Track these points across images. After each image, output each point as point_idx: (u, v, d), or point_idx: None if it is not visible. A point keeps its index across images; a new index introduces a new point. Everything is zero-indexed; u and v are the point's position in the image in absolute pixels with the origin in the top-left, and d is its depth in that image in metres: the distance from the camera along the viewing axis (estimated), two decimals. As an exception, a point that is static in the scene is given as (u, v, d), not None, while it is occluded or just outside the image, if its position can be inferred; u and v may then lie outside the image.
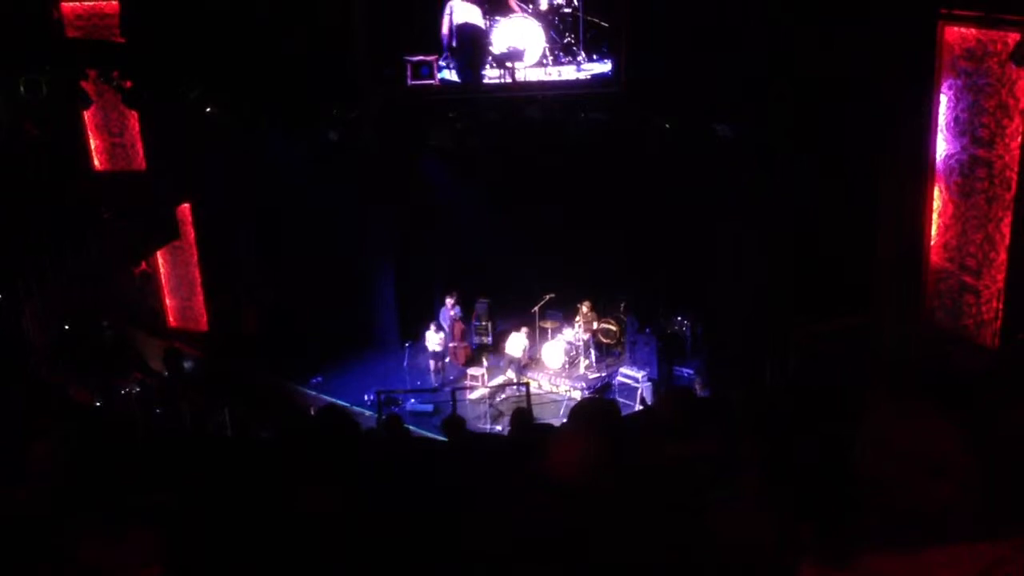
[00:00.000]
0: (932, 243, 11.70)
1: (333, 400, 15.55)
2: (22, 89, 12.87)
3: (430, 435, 13.10)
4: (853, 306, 12.84)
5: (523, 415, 8.86)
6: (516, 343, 15.94)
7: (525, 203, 16.65)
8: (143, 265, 16.94)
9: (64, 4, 14.90)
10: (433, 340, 16.03)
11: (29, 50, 13.33)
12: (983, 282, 10.98)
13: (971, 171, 10.97)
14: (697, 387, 14.27)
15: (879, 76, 11.85)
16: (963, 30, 10.79)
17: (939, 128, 11.32)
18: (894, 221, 12.28)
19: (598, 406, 4.66)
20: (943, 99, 11.20)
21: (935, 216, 11.61)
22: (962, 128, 11.01)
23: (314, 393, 15.99)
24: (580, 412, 3.89)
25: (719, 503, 2.69)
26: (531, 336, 16.29)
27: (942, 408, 2.02)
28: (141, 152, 15.94)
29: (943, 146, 11.33)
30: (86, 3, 14.94)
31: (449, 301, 16.56)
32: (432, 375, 16.12)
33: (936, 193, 11.53)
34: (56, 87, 13.34)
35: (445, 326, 16.53)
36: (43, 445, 4.57)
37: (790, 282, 13.70)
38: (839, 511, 2.45)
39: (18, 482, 4.34)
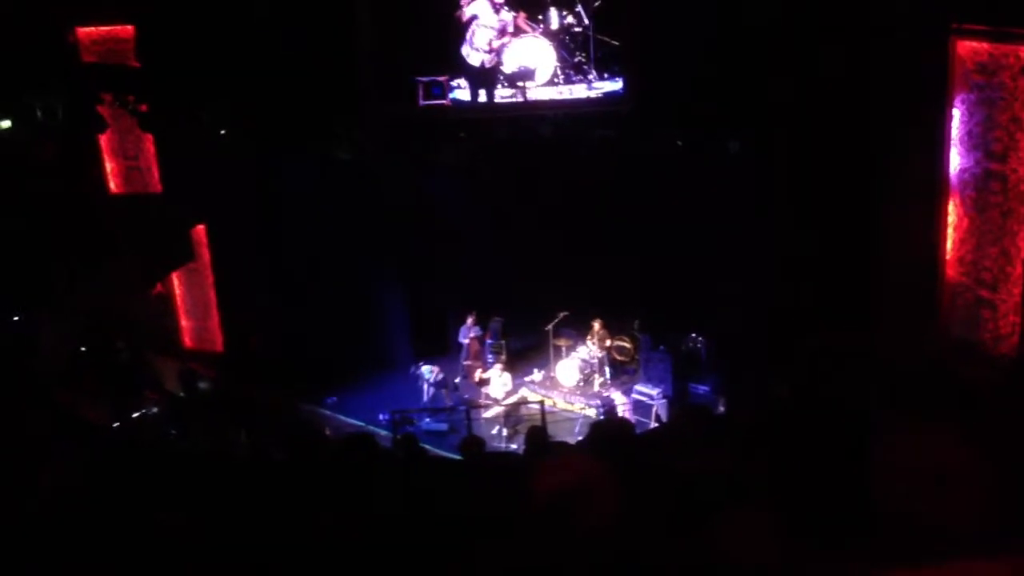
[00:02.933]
0: (948, 257, 11.65)
1: (348, 420, 15.55)
2: (38, 113, 13.00)
3: (445, 454, 13.07)
4: (866, 321, 12.78)
5: (538, 433, 8.84)
6: (497, 384, 15.83)
7: (537, 221, 16.67)
8: (159, 287, 17.03)
9: (80, 29, 15.06)
10: (429, 377, 15.93)
11: (45, 74, 13.46)
12: (999, 296, 10.92)
13: (985, 185, 10.93)
14: (717, 404, 14.20)
15: (891, 91, 11.84)
16: (975, 44, 10.78)
17: (952, 142, 11.29)
18: (908, 236, 12.24)
19: (612, 428, 4.66)
20: (956, 113, 11.18)
21: (950, 230, 11.56)
22: (975, 142, 10.98)
23: (329, 413, 15.99)
24: (592, 435, 3.88)
25: (728, 521, 2.68)
26: (508, 367, 16.20)
27: (956, 423, 2.01)
28: (157, 175, 16.06)
29: (956, 160, 11.30)
30: (102, 28, 15.10)
31: (469, 320, 16.54)
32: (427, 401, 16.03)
33: (951, 207, 11.49)
34: (72, 111, 13.46)
35: (463, 344, 16.52)
36: (58, 466, 4.60)
37: (802, 297, 13.66)
38: (850, 528, 2.43)
39: (33, 502, 4.36)
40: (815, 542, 2.45)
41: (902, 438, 1.97)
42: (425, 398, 15.87)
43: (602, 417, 14.43)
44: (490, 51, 14.34)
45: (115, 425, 13.29)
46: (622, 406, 15.05)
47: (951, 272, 11.64)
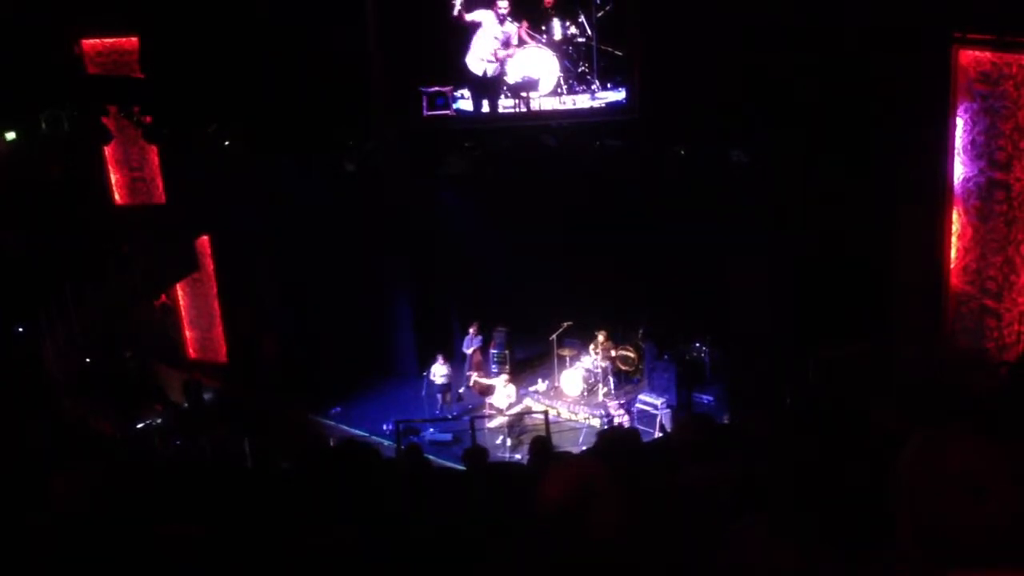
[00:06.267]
0: (952, 266, 11.64)
1: (352, 430, 15.54)
2: (44, 125, 13.05)
3: (450, 464, 13.06)
4: (872, 330, 12.77)
5: (542, 443, 8.83)
6: (501, 394, 15.78)
7: (541, 230, 16.69)
8: (163, 297, 17.06)
9: (85, 41, 15.14)
10: (439, 373, 15.90)
11: (51, 87, 13.52)
12: (1004, 305, 10.91)
13: (989, 194, 10.93)
14: (721, 413, 14.17)
15: (895, 100, 11.86)
16: (978, 53, 10.80)
17: (956, 151, 11.30)
18: (913, 245, 12.24)
19: (620, 434, 4.66)
20: (959, 122, 11.20)
21: (954, 239, 11.56)
22: (979, 151, 10.99)
23: (333, 423, 15.99)
24: (599, 442, 3.88)
25: (739, 531, 2.68)
26: (512, 377, 16.18)
27: (973, 430, 2.01)
28: (161, 186, 16.13)
29: (960, 169, 11.31)
30: (106, 40, 15.18)
31: (472, 330, 16.54)
32: (439, 408, 15.99)
33: (955, 216, 11.50)
34: (77, 123, 13.51)
35: (467, 354, 16.51)
36: (66, 478, 4.59)
37: (808, 306, 13.65)
38: (866, 537, 2.43)
39: (41, 516, 4.35)
40: (830, 551, 2.45)
41: (931, 446, 1.97)
42: (441, 403, 15.92)
43: (606, 427, 14.42)
44: (494, 61, 14.38)
45: (121, 436, 13.30)
46: (619, 417, 15.00)
47: (956, 281, 11.64)
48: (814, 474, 3.63)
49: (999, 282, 10.95)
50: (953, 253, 11.60)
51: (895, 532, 1.94)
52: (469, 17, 14.22)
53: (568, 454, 9.05)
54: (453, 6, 14.09)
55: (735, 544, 2.59)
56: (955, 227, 11.52)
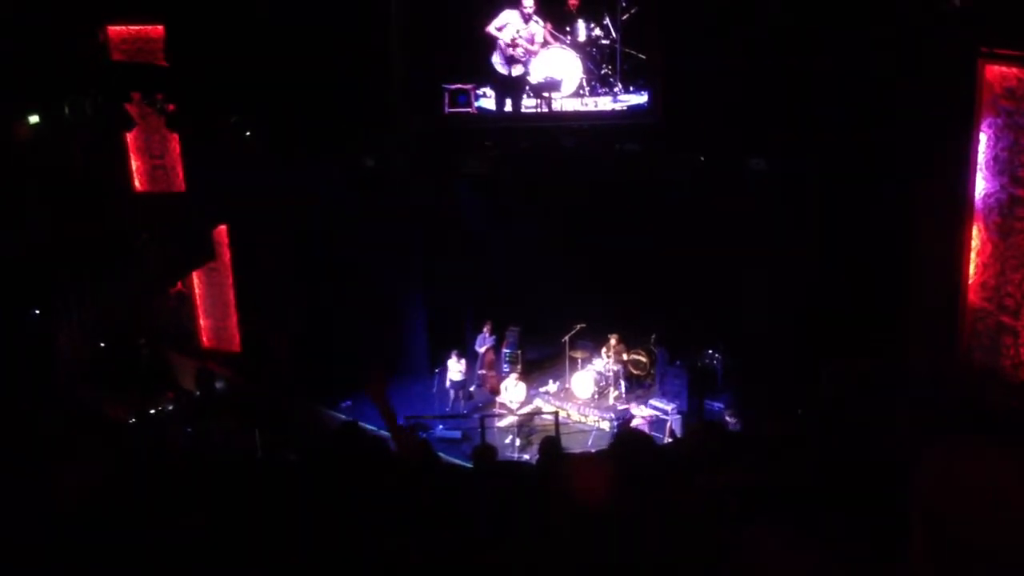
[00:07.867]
0: (970, 282, 11.57)
1: (362, 424, 15.54)
2: (67, 111, 13.10)
3: (459, 461, 13.06)
4: (886, 343, 12.71)
5: (552, 444, 8.82)
6: (512, 394, 15.77)
7: (557, 232, 16.67)
8: (179, 285, 17.12)
9: (110, 28, 15.22)
10: (455, 369, 15.93)
11: (75, 73, 13.58)
12: (1021, 322, 10.83)
13: (1010, 210, 10.85)
14: (728, 420, 14.13)
15: (918, 114, 11.79)
16: (1004, 69, 10.72)
17: (978, 167, 11.22)
18: (931, 259, 12.17)
19: (636, 436, 4.65)
20: (983, 138, 11.12)
21: (973, 255, 11.49)
22: (1002, 167, 10.91)
23: (343, 417, 16.00)
24: (619, 441, 3.87)
25: (749, 538, 2.67)
26: (523, 377, 16.16)
27: (992, 443, 1.99)
28: (181, 174, 16.17)
29: (982, 185, 11.23)
30: (132, 27, 15.25)
31: (486, 329, 16.54)
32: (451, 404, 16.02)
33: (975, 232, 11.42)
34: (100, 109, 13.57)
35: (479, 353, 16.52)
36: (75, 464, 4.61)
37: (822, 318, 13.59)
38: (882, 549, 2.42)
39: (49, 501, 4.37)
40: (842, 561, 2.44)
41: (946, 458, 1.96)
42: (452, 400, 15.93)
43: (617, 430, 14.40)
44: (518, 61, 14.39)
45: (132, 422, 13.36)
46: (640, 419, 14.99)
47: (973, 297, 11.56)
48: (827, 484, 3.61)
49: (1017, 299, 10.87)
50: (972, 269, 11.53)
51: (909, 544, 1.93)
52: (497, 22, 14.26)
53: (590, 452, 9.03)
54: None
55: (743, 551, 2.58)
56: (974, 243, 11.45)
